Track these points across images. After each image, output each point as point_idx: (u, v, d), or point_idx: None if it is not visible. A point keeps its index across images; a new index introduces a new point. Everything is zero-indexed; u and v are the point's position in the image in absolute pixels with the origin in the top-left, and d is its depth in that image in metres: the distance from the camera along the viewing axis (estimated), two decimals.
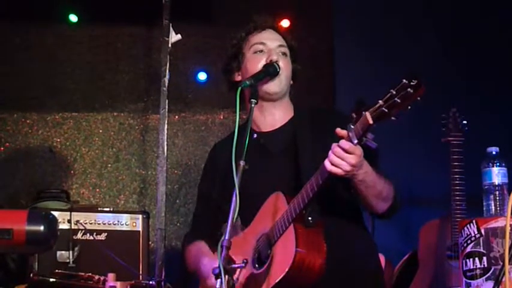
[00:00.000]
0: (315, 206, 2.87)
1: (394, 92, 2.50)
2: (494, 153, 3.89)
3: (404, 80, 2.49)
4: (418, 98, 2.50)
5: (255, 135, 3.18)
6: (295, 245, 2.78)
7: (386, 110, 2.52)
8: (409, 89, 2.48)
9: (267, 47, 3.18)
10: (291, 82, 3.25)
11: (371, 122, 2.55)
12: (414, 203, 5.12)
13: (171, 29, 4.63)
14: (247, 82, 3.00)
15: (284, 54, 3.20)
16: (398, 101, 2.49)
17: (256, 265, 2.92)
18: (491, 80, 5.49)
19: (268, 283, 2.82)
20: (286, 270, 2.77)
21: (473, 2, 5.48)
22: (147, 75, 5.41)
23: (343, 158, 2.65)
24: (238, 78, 3.26)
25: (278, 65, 3.10)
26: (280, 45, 3.20)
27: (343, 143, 2.64)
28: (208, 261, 3.09)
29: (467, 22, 5.56)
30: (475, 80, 5.44)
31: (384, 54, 5.46)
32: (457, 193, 4.30)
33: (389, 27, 5.57)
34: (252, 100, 2.92)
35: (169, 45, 4.63)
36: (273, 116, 3.20)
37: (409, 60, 5.42)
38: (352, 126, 2.61)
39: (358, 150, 2.66)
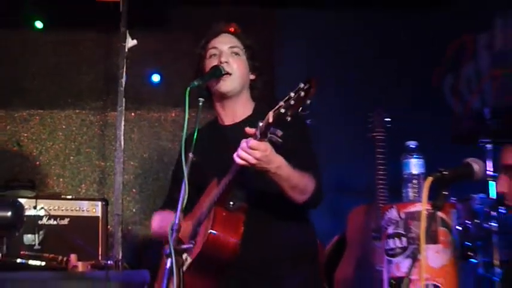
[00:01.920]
0: (237, 192, 2.88)
1: (292, 95, 2.52)
2: (413, 146, 3.96)
3: (300, 84, 2.51)
4: (308, 102, 2.51)
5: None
6: (211, 226, 2.80)
7: (283, 111, 2.53)
8: (301, 92, 2.50)
9: (218, 50, 3.12)
10: (252, 77, 3.18)
11: (271, 120, 2.57)
12: (344, 191, 5.17)
13: (127, 35, 4.61)
14: (196, 83, 2.96)
15: (236, 54, 3.12)
16: (293, 103, 2.50)
17: (192, 241, 2.93)
18: (412, 85, 5.61)
19: (191, 258, 2.84)
20: (201, 248, 2.80)
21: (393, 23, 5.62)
22: (106, 77, 5.37)
23: (248, 153, 2.64)
24: None
25: (223, 67, 3.07)
26: (231, 47, 3.12)
27: (248, 140, 2.65)
28: (163, 217, 3.10)
29: (392, 38, 5.69)
30: (399, 85, 5.55)
31: (320, 63, 5.52)
32: (380, 182, 4.34)
33: (326, 39, 5.64)
34: (200, 99, 2.90)
35: (126, 50, 4.61)
36: (233, 111, 3.15)
37: (342, 69, 5.52)
38: (261, 124, 2.64)
39: (263, 146, 2.64)
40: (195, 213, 2.97)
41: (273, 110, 2.57)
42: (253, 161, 2.67)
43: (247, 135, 2.69)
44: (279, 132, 2.61)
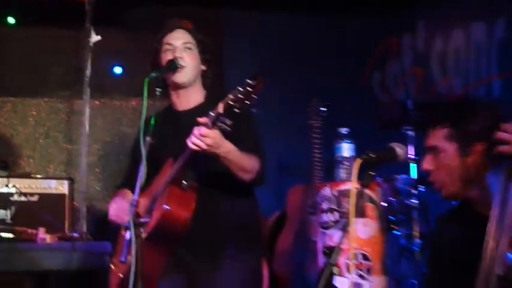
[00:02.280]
0: (190, 173, 2.87)
1: (240, 89, 2.53)
2: (344, 132, 4.00)
3: (247, 80, 2.52)
4: (254, 96, 2.53)
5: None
6: (165, 202, 2.80)
7: (232, 103, 2.54)
8: (248, 88, 2.52)
9: (173, 46, 3.08)
10: (204, 68, 3.14)
11: (221, 111, 2.58)
12: (284, 172, 5.20)
13: (92, 31, 4.57)
14: (153, 75, 2.94)
15: (189, 48, 3.08)
16: (241, 96, 2.52)
17: (148, 215, 2.91)
18: (345, 80, 5.67)
19: (147, 231, 2.81)
20: (155, 222, 2.80)
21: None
22: (73, 69, 5.27)
23: (200, 139, 2.65)
24: None
25: (178, 61, 3.05)
26: (185, 42, 3.09)
27: (200, 128, 2.65)
28: (119, 206, 3.05)
29: (329, 39, 5.75)
30: (334, 79, 5.60)
31: (264, 58, 5.53)
32: (316, 163, 4.36)
33: (270, 38, 5.67)
34: (157, 89, 2.88)
35: (91, 45, 4.58)
36: (187, 98, 3.11)
37: (284, 65, 5.56)
38: (212, 114, 2.63)
39: (213, 133, 2.65)
40: (152, 190, 2.95)
41: (223, 102, 2.57)
42: (204, 147, 2.67)
43: (199, 123, 2.69)
44: (228, 121, 2.61)
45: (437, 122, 2.33)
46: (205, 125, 2.65)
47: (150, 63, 3.15)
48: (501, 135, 2.12)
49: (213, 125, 2.64)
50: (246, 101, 2.53)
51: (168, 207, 2.79)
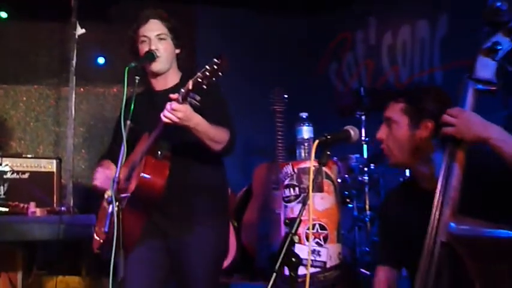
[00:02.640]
0: (164, 144, 2.84)
1: (207, 67, 2.51)
2: (304, 116, 4.00)
3: (214, 59, 2.50)
4: (220, 73, 2.50)
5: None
6: (142, 171, 2.77)
7: (200, 80, 2.52)
8: (214, 66, 2.49)
9: (147, 38, 3.01)
10: (177, 52, 3.08)
11: (190, 87, 2.55)
12: (251, 152, 5.21)
13: (77, 25, 4.55)
14: (133, 64, 2.89)
15: (163, 39, 3.01)
16: (208, 74, 2.50)
17: (128, 182, 2.89)
18: (306, 69, 5.68)
19: (126, 196, 2.79)
20: (133, 189, 2.77)
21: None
22: (60, 59, 5.21)
23: (172, 113, 2.62)
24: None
25: (155, 52, 3.01)
26: (158, 34, 3.01)
27: (172, 103, 2.62)
28: (103, 166, 3.02)
29: (292, 34, 5.76)
30: (296, 69, 5.61)
31: (233, 51, 5.51)
32: (279, 144, 4.37)
33: (238, 32, 5.65)
34: (136, 77, 2.84)
35: (76, 37, 4.56)
36: (164, 80, 3.05)
37: (254, 56, 5.57)
38: (183, 90, 2.62)
39: (183, 108, 2.61)
40: (130, 161, 2.92)
41: (192, 79, 2.55)
42: (175, 119, 2.64)
43: (171, 99, 2.66)
44: (197, 97, 2.59)
45: (396, 96, 2.36)
46: (176, 100, 2.63)
47: (128, 52, 3.11)
48: (446, 118, 2.15)
49: (184, 100, 2.61)
50: (213, 78, 2.51)
51: (145, 176, 2.77)
